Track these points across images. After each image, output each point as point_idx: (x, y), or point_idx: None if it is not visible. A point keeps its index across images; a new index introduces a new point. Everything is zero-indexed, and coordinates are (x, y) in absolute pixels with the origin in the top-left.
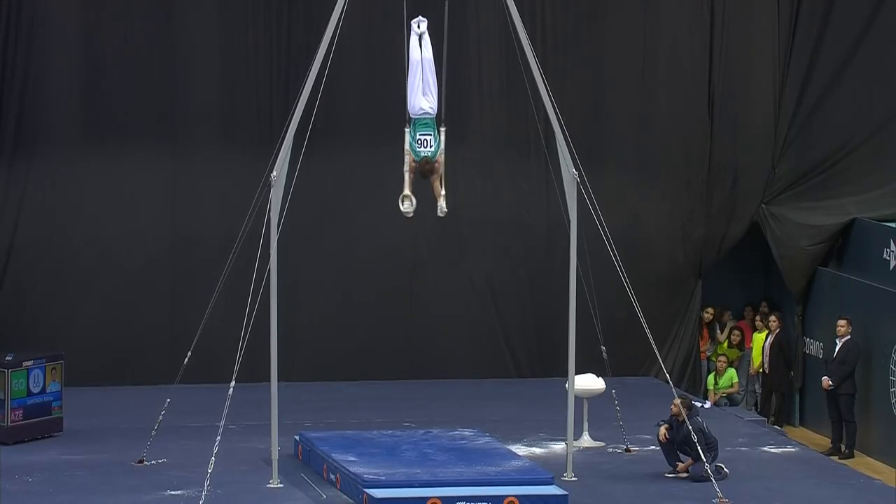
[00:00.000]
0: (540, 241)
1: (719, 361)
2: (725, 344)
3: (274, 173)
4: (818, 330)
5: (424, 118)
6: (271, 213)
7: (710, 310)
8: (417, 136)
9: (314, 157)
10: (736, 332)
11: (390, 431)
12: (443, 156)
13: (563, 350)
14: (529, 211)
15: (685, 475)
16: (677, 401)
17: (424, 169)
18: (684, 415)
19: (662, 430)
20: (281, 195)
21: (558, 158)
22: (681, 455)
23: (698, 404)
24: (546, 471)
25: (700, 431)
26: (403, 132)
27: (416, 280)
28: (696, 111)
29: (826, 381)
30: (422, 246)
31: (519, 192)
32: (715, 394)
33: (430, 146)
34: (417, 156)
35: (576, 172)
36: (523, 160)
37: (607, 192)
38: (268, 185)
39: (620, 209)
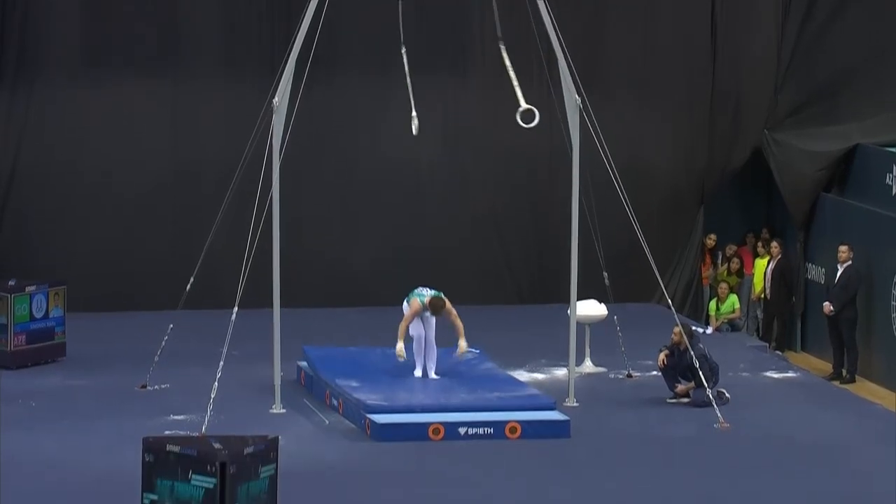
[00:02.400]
0: (542, 169)
1: (721, 288)
2: (724, 272)
3: (276, 100)
4: (820, 256)
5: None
6: (273, 140)
7: (712, 236)
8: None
9: (315, 84)
10: (735, 259)
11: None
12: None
13: (565, 276)
14: (531, 139)
15: (686, 399)
16: (678, 329)
17: (436, 306)
18: (686, 343)
19: (661, 355)
20: (283, 122)
21: (560, 85)
22: (681, 379)
23: (700, 330)
24: (548, 396)
25: (703, 357)
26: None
27: (419, 207)
28: (699, 38)
29: (827, 306)
30: (424, 174)
31: None
32: (717, 320)
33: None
34: (423, 299)
35: (578, 98)
36: (525, 87)
37: (610, 120)
38: (270, 112)
39: (623, 137)
